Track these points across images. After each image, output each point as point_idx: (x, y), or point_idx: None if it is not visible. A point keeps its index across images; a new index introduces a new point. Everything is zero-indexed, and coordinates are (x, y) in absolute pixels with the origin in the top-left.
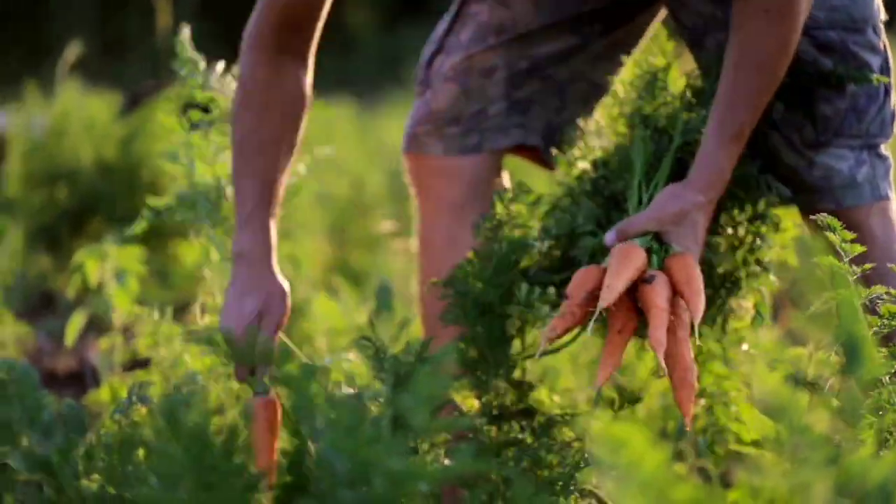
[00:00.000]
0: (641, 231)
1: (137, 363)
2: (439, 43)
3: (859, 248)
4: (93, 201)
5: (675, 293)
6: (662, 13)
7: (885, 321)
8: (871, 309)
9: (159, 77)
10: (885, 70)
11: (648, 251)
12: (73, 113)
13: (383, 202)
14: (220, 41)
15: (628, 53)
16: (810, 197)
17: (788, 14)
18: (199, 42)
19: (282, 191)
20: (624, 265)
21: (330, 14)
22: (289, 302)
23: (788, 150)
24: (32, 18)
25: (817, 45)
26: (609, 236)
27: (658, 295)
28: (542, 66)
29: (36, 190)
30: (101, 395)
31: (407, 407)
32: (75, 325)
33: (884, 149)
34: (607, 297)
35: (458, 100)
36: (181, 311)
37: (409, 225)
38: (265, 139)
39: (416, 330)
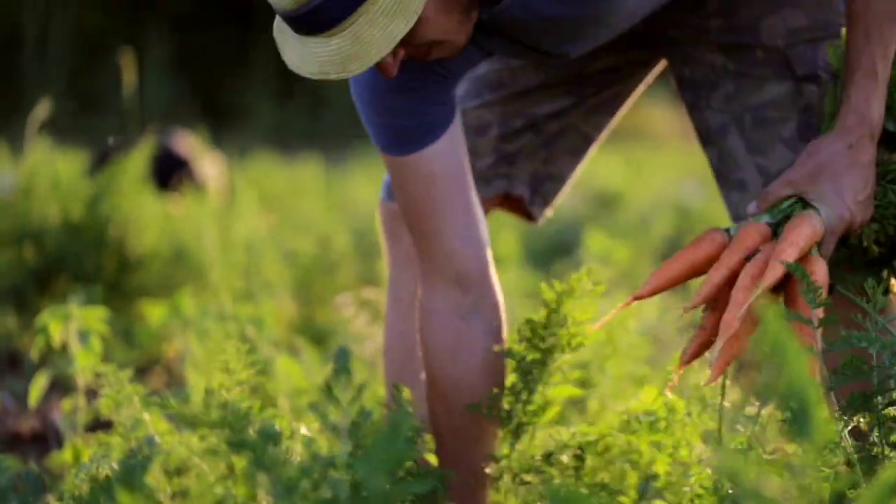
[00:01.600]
0: (778, 198)
1: (100, 424)
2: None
3: None
4: (59, 260)
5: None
6: (659, 66)
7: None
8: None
9: (127, 134)
10: None
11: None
12: (41, 171)
13: (349, 260)
14: (190, 98)
15: (622, 105)
16: None
17: None
18: (170, 99)
19: None
20: (731, 250)
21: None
22: None
23: None
24: (2, 77)
25: None
26: (751, 206)
27: (745, 274)
28: (536, 124)
29: (2, 249)
30: (65, 456)
31: (364, 472)
32: (38, 385)
33: None
34: (700, 294)
35: None
36: (146, 370)
37: (375, 281)
38: None
39: (375, 392)
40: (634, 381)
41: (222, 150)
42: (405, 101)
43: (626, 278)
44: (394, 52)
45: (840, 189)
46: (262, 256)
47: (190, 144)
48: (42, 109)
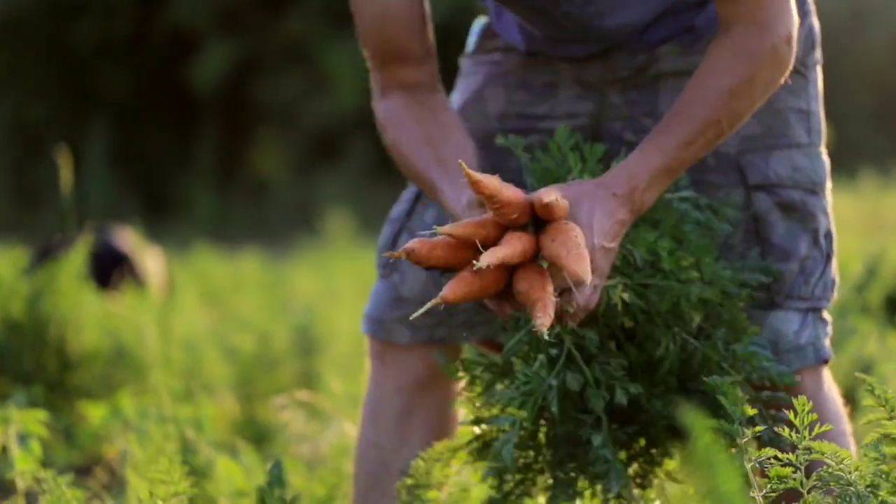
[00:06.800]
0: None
1: None
2: (401, 223)
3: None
4: None
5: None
6: None
7: (774, 483)
8: (761, 472)
9: (66, 230)
10: (829, 235)
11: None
12: None
13: (289, 357)
14: (131, 191)
15: None
16: None
17: (756, 59)
18: (110, 192)
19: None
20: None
21: (242, 159)
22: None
23: None
24: None
25: (779, 202)
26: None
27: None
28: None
29: None
30: None
31: None
32: None
33: (825, 313)
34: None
35: (426, 287)
36: (87, 470)
37: (314, 380)
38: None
39: (313, 494)
40: None
41: (163, 243)
42: None
43: None
44: None
45: (591, 222)
46: (203, 354)
47: (130, 240)
48: None
